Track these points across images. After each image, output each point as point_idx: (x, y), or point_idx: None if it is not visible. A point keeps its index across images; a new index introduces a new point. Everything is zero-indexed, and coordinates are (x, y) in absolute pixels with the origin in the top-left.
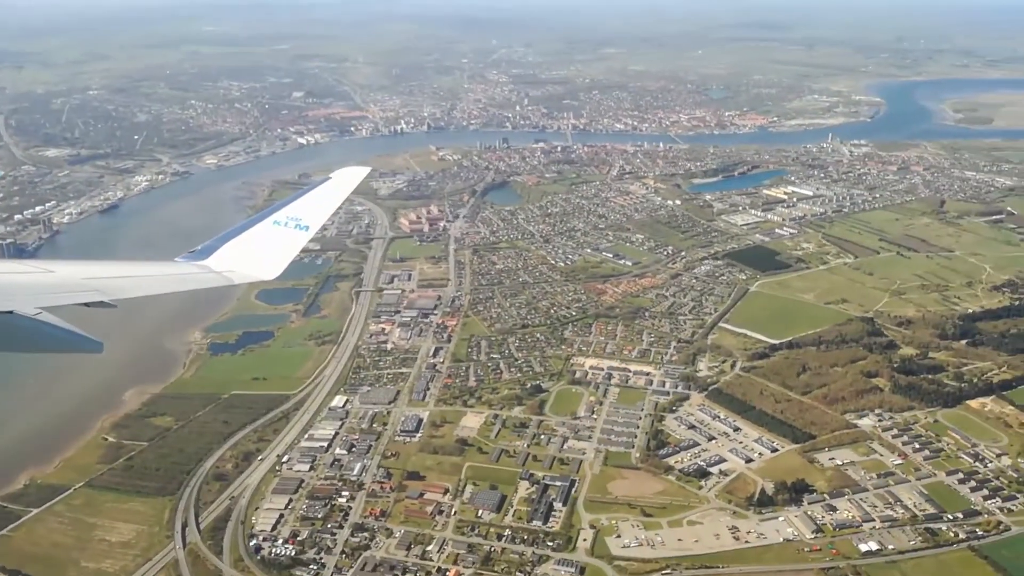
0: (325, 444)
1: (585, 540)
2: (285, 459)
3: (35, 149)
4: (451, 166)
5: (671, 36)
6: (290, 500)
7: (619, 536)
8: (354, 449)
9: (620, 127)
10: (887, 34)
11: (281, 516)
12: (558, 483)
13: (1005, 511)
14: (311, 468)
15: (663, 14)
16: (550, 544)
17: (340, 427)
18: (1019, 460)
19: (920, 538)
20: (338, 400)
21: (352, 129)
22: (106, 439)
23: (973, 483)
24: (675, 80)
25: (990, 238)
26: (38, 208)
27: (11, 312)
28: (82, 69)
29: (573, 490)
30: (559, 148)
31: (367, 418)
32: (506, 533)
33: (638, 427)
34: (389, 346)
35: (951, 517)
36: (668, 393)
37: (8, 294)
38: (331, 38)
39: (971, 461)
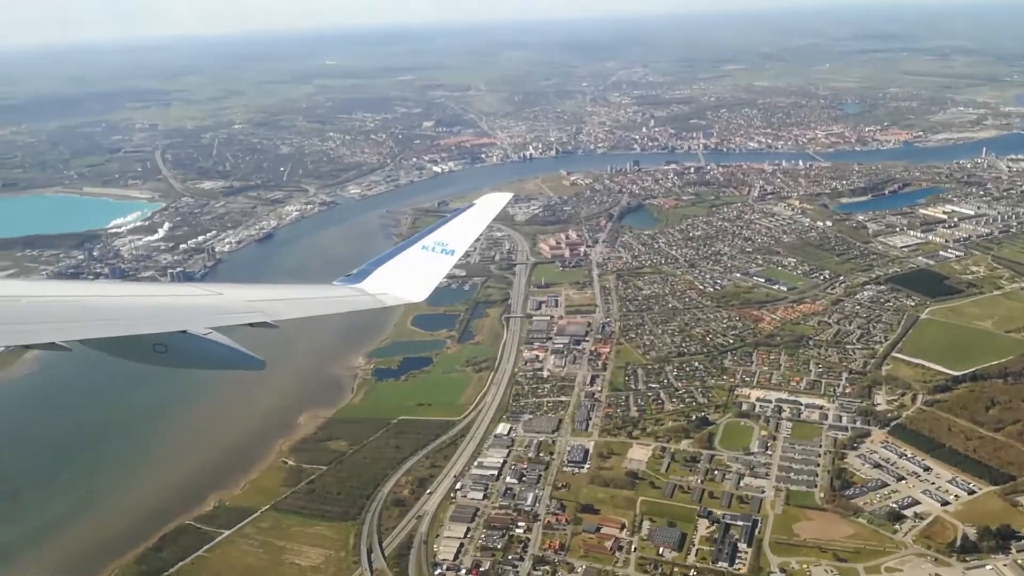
0: (495, 472)
1: None
2: (458, 486)
3: (192, 181)
4: (583, 190)
5: (792, 51)
6: (468, 529)
7: None
8: (524, 478)
9: (754, 145)
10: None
11: (461, 545)
12: (740, 522)
13: None
14: (485, 496)
15: (775, 26)
16: None
17: (507, 455)
18: None
19: None
20: (502, 428)
21: (483, 156)
22: (286, 462)
23: None
24: (805, 95)
25: None
26: (200, 237)
27: (184, 332)
28: (222, 105)
29: (756, 530)
30: (692, 169)
31: (533, 447)
32: (691, 574)
33: (818, 465)
34: (545, 373)
35: None
36: (847, 429)
37: (183, 315)
38: (450, 68)
39: None
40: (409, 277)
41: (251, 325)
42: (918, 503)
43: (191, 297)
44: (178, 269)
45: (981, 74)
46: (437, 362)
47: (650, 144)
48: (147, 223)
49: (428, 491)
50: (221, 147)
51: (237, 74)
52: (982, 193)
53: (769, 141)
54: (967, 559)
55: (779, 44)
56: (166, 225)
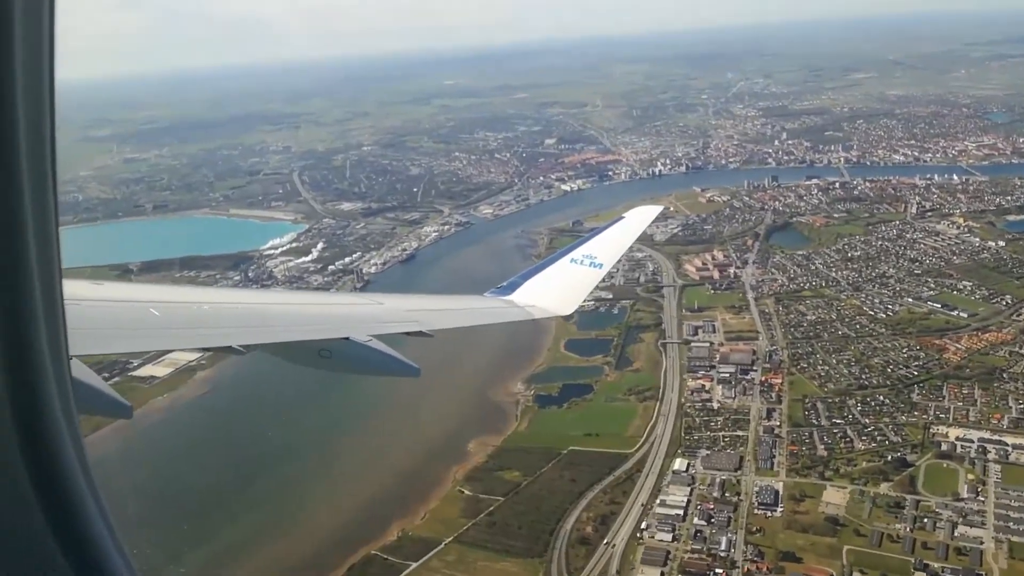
0: (680, 512)
1: None
2: (644, 526)
3: (331, 203)
4: (721, 207)
5: (923, 57)
6: (662, 573)
7: None
8: (713, 520)
9: (899, 158)
10: None
11: None
12: None
13: None
14: (674, 539)
15: (902, 32)
16: None
17: (690, 493)
18: None
19: None
20: (679, 463)
21: (609, 173)
22: (462, 492)
23: None
24: (946, 104)
25: None
26: (347, 259)
27: (347, 338)
28: (348, 126)
29: None
30: (837, 184)
31: (716, 485)
32: None
33: None
34: (715, 405)
35: None
36: None
37: (346, 322)
38: (565, 84)
39: None
40: (557, 290)
41: (408, 334)
42: None
43: (354, 307)
44: (331, 290)
45: None
46: (598, 390)
47: (786, 158)
48: (299, 245)
49: (613, 530)
50: (353, 168)
51: (360, 95)
52: None
53: (915, 154)
54: None
55: (908, 51)
56: (319, 246)
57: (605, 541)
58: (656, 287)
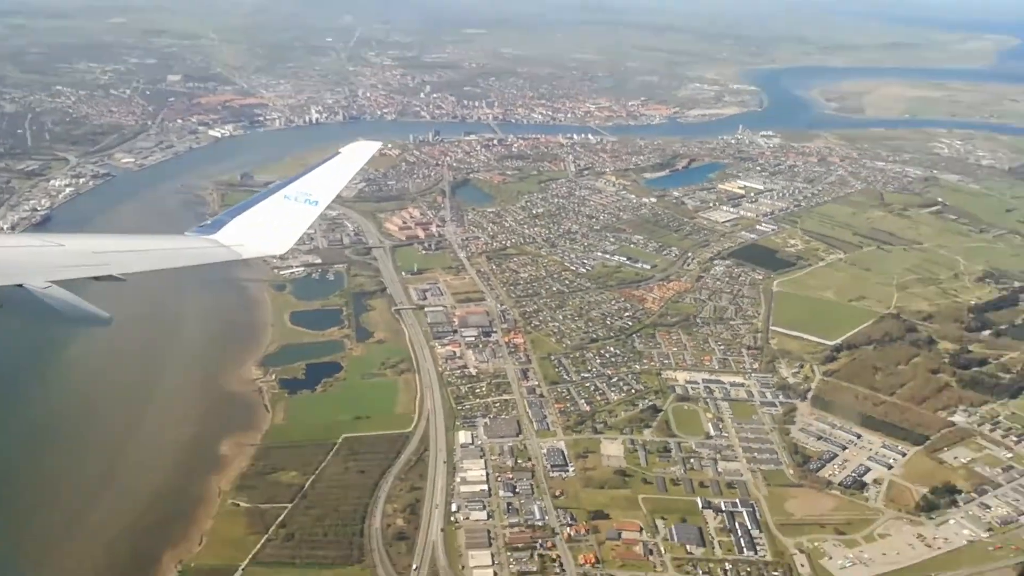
0: (484, 487)
1: (803, 566)
2: (455, 508)
3: None
4: (396, 162)
5: (523, 17)
6: (492, 555)
7: (830, 558)
8: (518, 490)
9: (538, 117)
10: (711, 19)
11: (495, 574)
12: (741, 509)
13: None
14: (489, 516)
15: None
16: (776, 574)
17: (486, 466)
18: None
19: None
20: (463, 436)
21: (260, 119)
22: (237, 504)
23: None
24: (558, 67)
25: (943, 229)
26: None
27: (21, 286)
28: None
29: (757, 514)
30: (495, 141)
31: (507, 453)
32: (728, 567)
33: (772, 442)
34: (472, 371)
35: None
36: (775, 405)
37: (18, 267)
38: (164, 10)
39: None
40: (269, 228)
41: (96, 279)
42: (869, 469)
43: (28, 249)
44: None
45: (696, 51)
46: (348, 367)
47: (437, 112)
48: None
49: (425, 518)
50: None
51: None
52: (759, 168)
53: (551, 114)
54: (933, 516)
55: (506, 9)
56: None
57: (423, 532)
58: (366, 249)
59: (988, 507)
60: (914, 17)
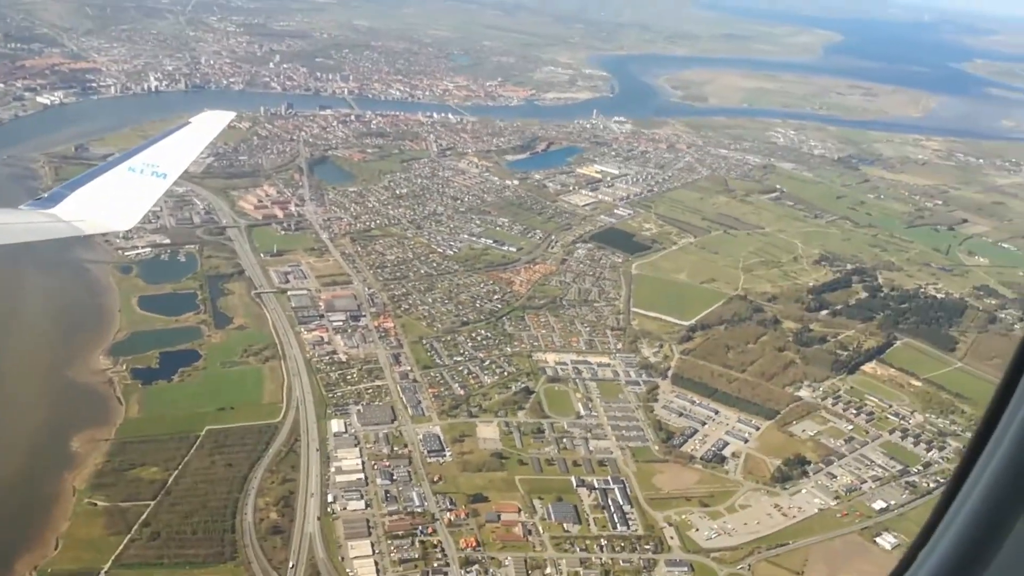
0: (360, 476)
1: (672, 538)
2: (332, 499)
3: None
4: (247, 136)
5: None
6: (372, 544)
7: (697, 530)
8: (395, 478)
9: (395, 94)
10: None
11: (377, 564)
12: (613, 486)
13: (944, 460)
14: (367, 505)
15: None
16: (648, 547)
17: (361, 454)
18: (927, 415)
19: (907, 491)
20: (336, 425)
21: (93, 85)
22: (94, 504)
23: (911, 439)
24: (413, 42)
25: (782, 215)
26: None
27: None
28: None
29: (628, 490)
30: (353, 117)
31: (382, 440)
32: (603, 543)
33: (638, 420)
34: (342, 357)
35: (915, 470)
36: (639, 383)
37: None
38: None
39: (897, 420)
40: (113, 202)
41: None
42: (727, 443)
43: None
44: None
45: (548, 33)
46: (207, 355)
47: (289, 83)
48: None
49: (300, 510)
50: None
51: None
52: (613, 153)
53: (408, 91)
54: (786, 487)
55: None
56: None
57: (299, 525)
58: (219, 229)
59: (835, 476)
60: (748, 9)
